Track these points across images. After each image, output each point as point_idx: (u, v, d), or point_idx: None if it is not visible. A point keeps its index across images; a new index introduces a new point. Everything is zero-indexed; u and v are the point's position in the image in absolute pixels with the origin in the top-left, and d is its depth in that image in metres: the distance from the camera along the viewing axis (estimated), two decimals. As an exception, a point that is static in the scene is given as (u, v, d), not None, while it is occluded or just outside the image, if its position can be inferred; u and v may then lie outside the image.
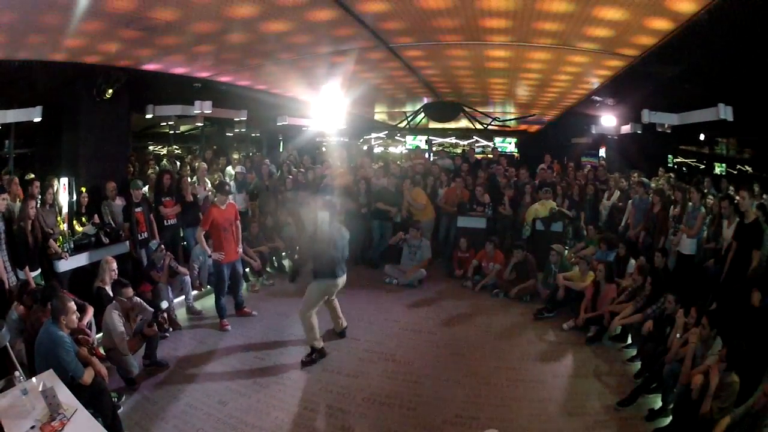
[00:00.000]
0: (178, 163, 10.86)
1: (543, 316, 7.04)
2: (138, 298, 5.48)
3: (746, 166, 12.42)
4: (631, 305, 5.96)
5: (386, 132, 18.93)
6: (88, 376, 4.11)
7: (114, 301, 5.21)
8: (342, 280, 5.84)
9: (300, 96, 10.10)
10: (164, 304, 5.46)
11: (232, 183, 9.21)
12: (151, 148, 14.39)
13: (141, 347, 5.32)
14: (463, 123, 14.58)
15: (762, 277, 5.23)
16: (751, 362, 4.07)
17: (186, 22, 5.18)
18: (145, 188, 7.93)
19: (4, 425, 3.24)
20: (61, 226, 6.60)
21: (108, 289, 5.63)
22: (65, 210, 7.00)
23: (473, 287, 8.16)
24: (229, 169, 10.47)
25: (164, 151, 13.98)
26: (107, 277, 5.75)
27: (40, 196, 6.47)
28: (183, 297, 7.02)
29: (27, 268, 5.63)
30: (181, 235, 8.22)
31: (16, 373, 3.94)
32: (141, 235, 7.25)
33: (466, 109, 12.53)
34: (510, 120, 14.34)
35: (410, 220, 9.09)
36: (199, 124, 11.36)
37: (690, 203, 7.12)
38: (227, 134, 15.24)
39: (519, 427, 4.56)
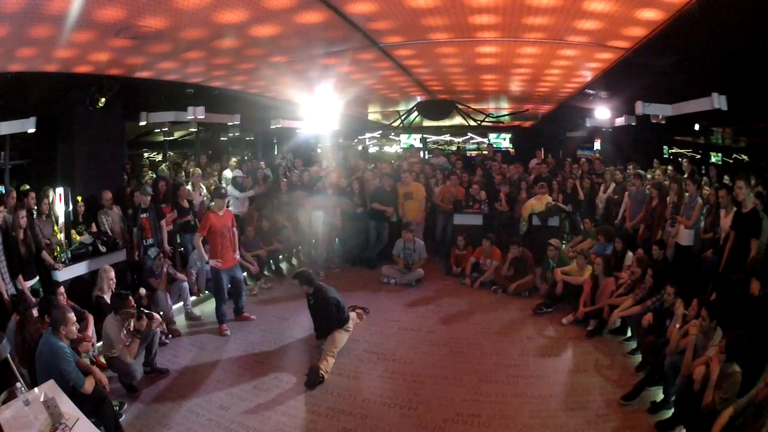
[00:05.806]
0: (174, 170, 10.85)
1: (542, 312, 7.05)
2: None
3: (742, 155, 12.41)
4: (631, 298, 5.97)
5: (380, 132, 18.92)
6: (89, 386, 4.14)
7: (113, 311, 5.18)
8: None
9: (293, 98, 10.09)
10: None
11: (230, 187, 9.20)
12: (145, 155, 14.34)
13: (142, 352, 5.31)
14: (457, 120, 14.56)
15: (761, 267, 5.24)
16: (752, 352, 4.06)
17: (176, 29, 5.17)
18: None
19: (7, 437, 3.26)
20: (58, 235, 6.60)
21: (107, 298, 5.63)
22: (62, 220, 7.00)
23: (471, 284, 8.17)
24: (226, 173, 10.46)
25: (159, 157, 13.94)
26: (105, 286, 5.78)
27: (36, 207, 6.47)
28: (182, 303, 7.02)
29: (21, 277, 5.62)
30: (179, 241, 8.21)
31: (18, 385, 3.95)
32: (146, 241, 7.23)
33: (460, 107, 12.51)
34: (504, 116, 14.33)
35: (405, 221, 9.07)
36: (193, 130, 11.33)
37: (687, 194, 7.12)
38: (221, 138, 15.22)
39: (520, 424, 4.57)
